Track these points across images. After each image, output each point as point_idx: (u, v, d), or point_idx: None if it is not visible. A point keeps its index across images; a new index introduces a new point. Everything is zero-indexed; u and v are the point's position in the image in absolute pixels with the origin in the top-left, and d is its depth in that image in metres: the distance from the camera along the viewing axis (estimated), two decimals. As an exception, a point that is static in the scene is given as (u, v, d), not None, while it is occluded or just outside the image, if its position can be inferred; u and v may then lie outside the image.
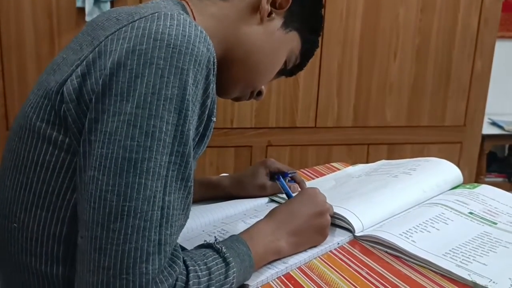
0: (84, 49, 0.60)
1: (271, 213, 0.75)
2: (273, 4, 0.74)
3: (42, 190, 0.60)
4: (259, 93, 0.83)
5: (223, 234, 0.80)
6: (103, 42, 0.58)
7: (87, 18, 1.88)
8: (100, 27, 0.63)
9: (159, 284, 0.54)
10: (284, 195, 0.94)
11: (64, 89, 0.58)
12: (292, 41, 0.78)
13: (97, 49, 0.58)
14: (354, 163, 1.22)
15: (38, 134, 0.60)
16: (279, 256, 0.72)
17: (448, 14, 2.25)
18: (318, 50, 2.10)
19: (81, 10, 1.91)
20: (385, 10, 2.19)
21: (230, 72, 0.76)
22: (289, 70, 0.84)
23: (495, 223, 0.83)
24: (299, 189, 0.97)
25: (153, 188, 0.54)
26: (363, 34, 2.20)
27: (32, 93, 0.65)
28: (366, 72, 2.24)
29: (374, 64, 2.24)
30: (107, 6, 1.92)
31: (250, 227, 0.72)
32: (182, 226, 0.61)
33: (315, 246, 0.77)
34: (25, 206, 0.61)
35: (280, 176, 0.92)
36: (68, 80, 0.58)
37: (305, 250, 0.75)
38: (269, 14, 0.74)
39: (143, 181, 0.53)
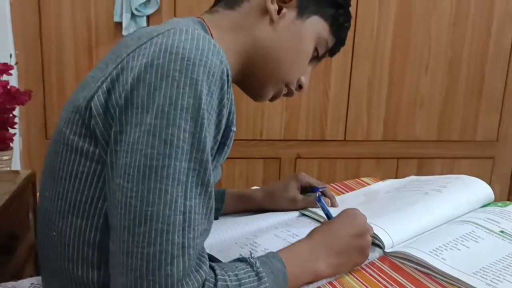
0: (109, 67, 0.64)
1: (311, 233, 0.75)
2: (281, 0, 0.75)
3: (76, 199, 0.63)
4: (300, 86, 0.84)
5: (254, 246, 0.82)
6: (125, 59, 0.62)
7: (124, 32, 1.95)
8: (124, 46, 0.67)
9: (185, 287, 0.56)
10: (315, 209, 0.95)
11: (92, 104, 0.61)
12: (315, 26, 0.78)
13: (119, 65, 0.62)
14: (383, 177, 1.23)
15: (71, 146, 0.64)
16: (316, 277, 0.71)
17: (481, 28, 2.23)
18: (348, 62, 2.14)
19: (119, 24, 1.98)
20: (416, 23, 2.19)
21: (256, 77, 0.79)
22: (330, 50, 0.84)
23: (527, 243, 0.82)
24: (330, 204, 0.99)
25: (173, 193, 0.56)
26: (394, 47, 2.20)
27: (65, 110, 0.69)
28: (397, 85, 2.24)
29: (405, 77, 2.24)
30: (143, 21, 1.98)
31: (289, 245, 0.72)
32: (207, 231, 0.63)
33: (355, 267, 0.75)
34: (62, 214, 0.65)
35: (321, 198, 0.92)
36: (95, 96, 0.61)
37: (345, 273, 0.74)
38: (280, 11, 0.75)
39: (164, 186, 0.56)
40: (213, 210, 0.63)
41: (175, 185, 0.56)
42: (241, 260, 0.66)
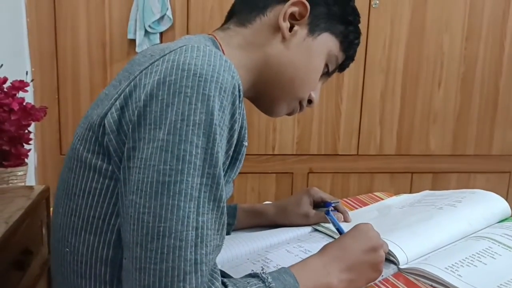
0: (122, 84, 0.64)
1: (323, 248, 0.74)
2: (292, 17, 0.76)
3: (89, 215, 0.63)
4: (309, 101, 0.84)
5: (266, 262, 0.82)
6: (137, 77, 0.62)
7: (138, 49, 1.98)
8: (136, 63, 0.67)
9: None
10: (328, 225, 0.95)
11: (105, 121, 0.62)
12: (325, 44, 0.79)
13: (132, 83, 0.62)
14: (397, 191, 1.21)
15: (85, 163, 0.64)
16: None
17: (494, 42, 2.22)
18: (361, 76, 2.15)
19: (132, 41, 2.01)
20: (428, 38, 2.19)
21: (270, 94, 0.79)
22: (339, 66, 0.84)
23: (546, 259, 0.81)
24: (343, 219, 0.98)
25: (186, 209, 0.56)
26: (407, 62, 2.20)
27: (79, 127, 0.70)
28: (410, 100, 2.23)
29: (418, 92, 2.23)
30: (156, 38, 2.01)
31: (301, 261, 0.72)
32: (219, 246, 0.62)
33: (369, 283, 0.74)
34: (75, 231, 0.65)
35: (330, 212, 0.91)
36: (108, 113, 0.62)
37: None
38: (291, 28, 0.76)
39: (176, 202, 0.56)
40: (225, 226, 0.63)
41: (188, 200, 0.56)
42: (252, 275, 0.65)
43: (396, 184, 2.27)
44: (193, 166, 0.57)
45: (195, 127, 0.57)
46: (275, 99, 0.81)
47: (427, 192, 1.16)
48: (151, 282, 0.55)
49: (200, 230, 0.57)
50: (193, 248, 0.56)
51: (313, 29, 0.77)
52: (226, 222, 0.62)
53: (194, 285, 0.55)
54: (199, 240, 0.57)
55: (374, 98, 2.21)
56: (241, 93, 0.63)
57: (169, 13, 1.99)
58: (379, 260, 0.74)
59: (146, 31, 1.99)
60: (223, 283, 0.60)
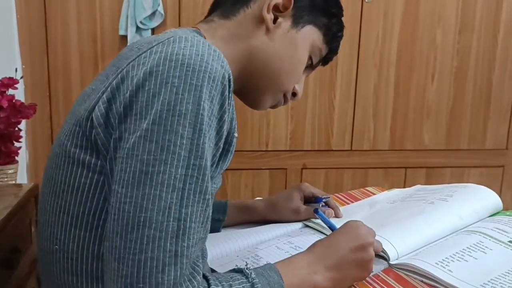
0: (110, 78, 0.64)
1: (312, 246, 0.73)
2: (276, 9, 0.76)
3: (79, 211, 0.63)
4: (294, 94, 0.84)
5: (256, 259, 0.81)
6: (125, 69, 0.62)
7: (129, 45, 1.96)
8: (123, 57, 0.67)
9: None
10: (318, 221, 0.94)
11: (93, 115, 0.61)
12: (309, 36, 0.79)
13: (119, 76, 0.62)
14: (391, 186, 1.21)
15: (73, 159, 0.63)
16: None
17: (487, 35, 2.22)
18: (354, 71, 2.14)
19: (124, 37, 1.99)
20: (421, 32, 2.18)
21: (254, 86, 0.79)
22: (323, 59, 0.85)
23: (537, 253, 0.80)
24: (333, 215, 0.97)
25: (168, 199, 0.55)
26: (400, 56, 2.19)
27: (66, 122, 0.69)
28: (403, 94, 2.23)
29: (411, 86, 2.23)
30: (148, 34, 2.00)
31: (287, 257, 0.71)
32: (203, 239, 0.62)
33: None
34: (64, 227, 0.64)
35: (319, 210, 0.90)
36: (96, 106, 0.61)
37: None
38: (275, 20, 0.76)
39: (158, 192, 0.55)
40: (210, 218, 0.62)
41: (170, 191, 0.56)
42: (236, 271, 0.65)
43: (390, 180, 2.27)
44: (177, 157, 0.56)
45: (181, 117, 0.57)
46: (260, 91, 0.81)
47: (419, 186, 1.16)
48: (129, 273, 0.54)
49: (182, 222, 0.56)
50: (174, 239, 0.55)
51: (297, 21, 0.78)
52: (210, 214, 0.62)
53: (172, 277, 0.55)
54: (181, 232, 0.56)
55: (368, 93, 2.20)
56: (231, 83, 0.63)
57: (160, 9, 1.98)
58: (367, 259, 0.72)
59: (137, 27, 1.98)
60: (205, 277, 0.60)
